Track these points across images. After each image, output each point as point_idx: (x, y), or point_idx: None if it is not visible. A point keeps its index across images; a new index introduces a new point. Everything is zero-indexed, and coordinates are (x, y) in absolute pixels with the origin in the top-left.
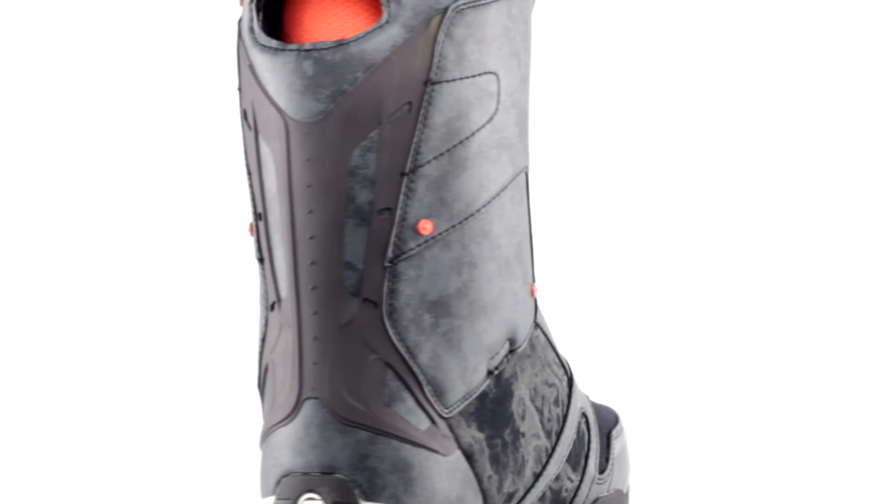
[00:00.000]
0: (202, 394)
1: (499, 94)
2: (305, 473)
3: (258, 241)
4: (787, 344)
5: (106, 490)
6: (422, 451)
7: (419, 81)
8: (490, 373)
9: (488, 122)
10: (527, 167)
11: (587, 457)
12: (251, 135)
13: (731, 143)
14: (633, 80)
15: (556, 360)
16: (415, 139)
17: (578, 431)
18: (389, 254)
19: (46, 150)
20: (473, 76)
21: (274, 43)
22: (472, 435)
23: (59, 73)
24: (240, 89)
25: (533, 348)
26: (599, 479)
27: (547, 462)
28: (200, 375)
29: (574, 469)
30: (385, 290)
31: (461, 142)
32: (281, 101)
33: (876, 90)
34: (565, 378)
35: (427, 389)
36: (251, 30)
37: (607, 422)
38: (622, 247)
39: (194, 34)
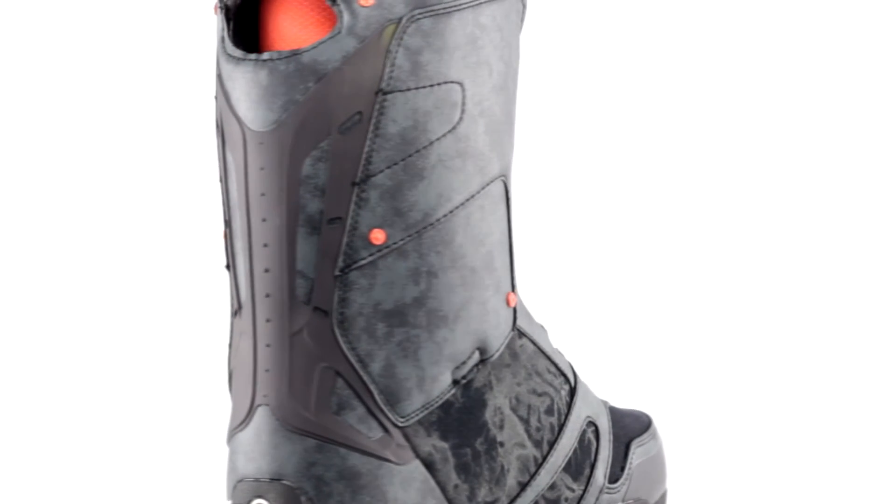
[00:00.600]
0: (193, 393)
1: (463, 104)
2: (256, 479)
3: (225, 249)
4: (786, 343)
5: (105, 490)
6: (372, 459)
7: (370, 91)
8: (456, 382)
9: (450, 131)
10: (503, 176)
11: (593, 466)
12: (220, 143)
13: (731, 144)
14: (635, 82)
15: (553, 368)
16: (366, 149)
17: (583, 440)
18: (340, 263)
19: (42, 153)
20: (431, 86)
21: (238, 53)
22: (434, 444)
23: (58, 76)
24: (215, 98)
25: (515, 357)
26: (610, 488)
27: (536, 471)
28: (192, 376)
29: (575, 478)
30: (336, 299)
31: (417, 151)
32: (241, 110)
33: (874, 90)
34: (566, 387)
35: (379, 398)
36: (222, 39)
37: (630, 430)
38: (627, 249)
39: (190, 41)
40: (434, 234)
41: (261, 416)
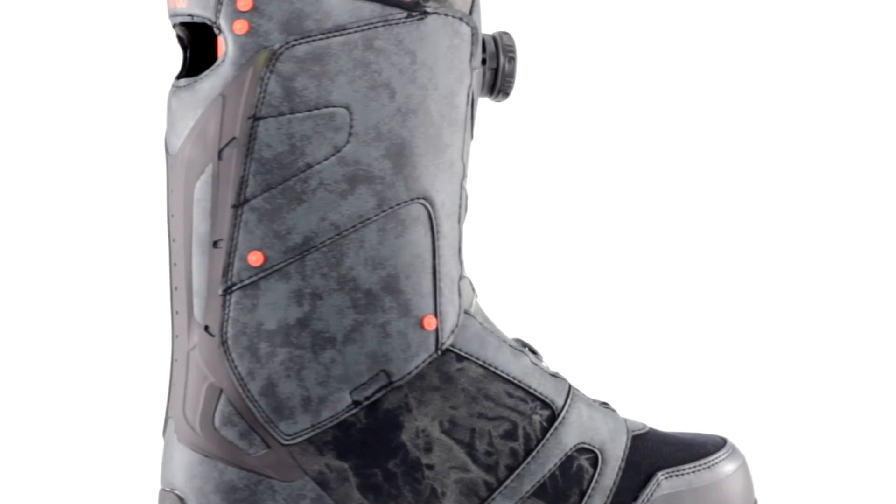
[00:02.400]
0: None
1: (351, 128)
2: (162, 489)
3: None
4: (785, 346)
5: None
6: (251, 475)
7: (244, 117)
8: (357, 403)
9: (333, 155)
10: (423, 199)
11: (584, 494)
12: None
13: (727, 147)
14: (632, 86)
15: (518, 393)
16: (242, 173)
17: (568, 467)
18: (225, 284)
19: (42, 153)
20: (309, 111)
21: (175, 81)
22: (327, 463)
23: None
24: None
25: (448, 381)
26: None
27: (490, 496)
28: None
29: None
30: (221, 318)
31: (295, 175)
32: (165, 135)
33: (874, 90)
34: (544, 412)
35: (261, 416)
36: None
37: (665, 458)
38: (626, 251)
39: None
40: (318, 257)
41: (169, 428)
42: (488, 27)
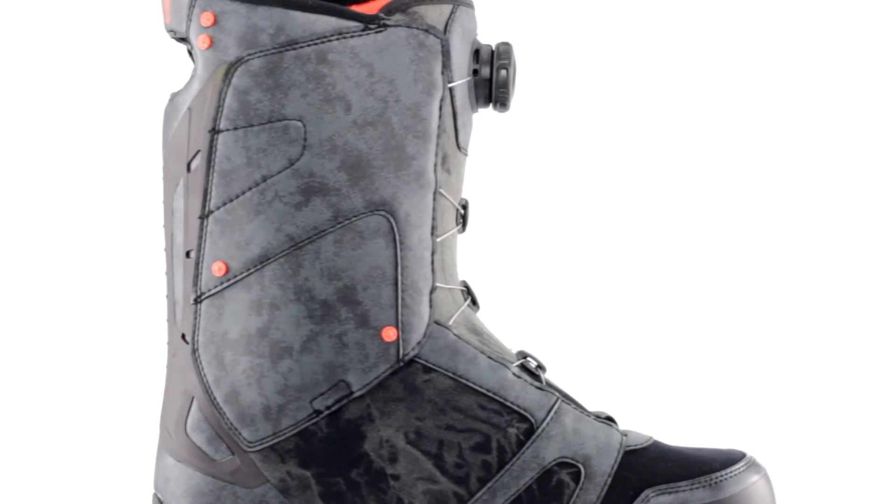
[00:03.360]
0: None
1: (305, 140)
2: (154, 492)
3: None
4: (785, 351)
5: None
6: (216, 480)
7: (206, 130)
8: (318, 412)
9: (288, 168)
10: (383, 210)
11: None
12: None
13: (722, 151)
14: (628, 92)
15: (492, 406)
16: (206, 185)
17: (547, 481)
18: (195, 293)
19: (42, 154)
20: (262, 124)
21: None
22: (289, 471)
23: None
24: None
25: (414, 392)
26: None
27: None
28: None
29: None
30: (193, 326)
31: (251, 188)
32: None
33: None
34: (522, 425)
35: (225, 423)
36: None
37: (658, 475)
38: (625, 254)
39: None
40: (276, 268)
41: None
42: (492, 37)
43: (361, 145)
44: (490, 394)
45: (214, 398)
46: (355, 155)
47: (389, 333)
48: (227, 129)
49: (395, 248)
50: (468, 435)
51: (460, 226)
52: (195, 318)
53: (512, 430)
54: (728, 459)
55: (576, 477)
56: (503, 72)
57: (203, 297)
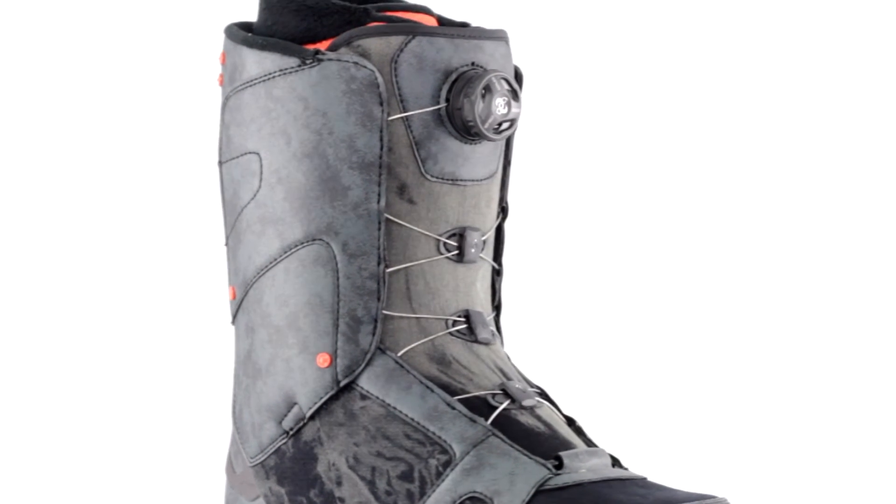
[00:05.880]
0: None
1: (261, 172)
2: None
3: None
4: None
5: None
6: (233, 490)
7: (217, 163)
8: (286, 433)
9: (252, 198)
10: (321, 240)
11: None
12: None
13: (718, 158)
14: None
15: (416, 436)
16: (223, 214)
17: None
18: (231, 315)
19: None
20: (237, 157)
21: None
22: (270, 487)
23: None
24: None
25: (352, 417)
26: None
27: None
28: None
29: None
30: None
31: (237, 217)
32: None
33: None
34: (442, 457)
35: (237, 438)
36: None
37: None
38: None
39: None
40: (252, 294)
41: None
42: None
43: (300, 176)
44: (415, 423)
45: (233, 413)
46: (296, 186)
47: (323, 359)
48: (223, 162)
49: (336, 276)
50: (395, 463)
51: (454, 254)
52: (236, 339)
53: (433, 462)
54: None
55: None
56: (465, 101)
57: (233, 318)
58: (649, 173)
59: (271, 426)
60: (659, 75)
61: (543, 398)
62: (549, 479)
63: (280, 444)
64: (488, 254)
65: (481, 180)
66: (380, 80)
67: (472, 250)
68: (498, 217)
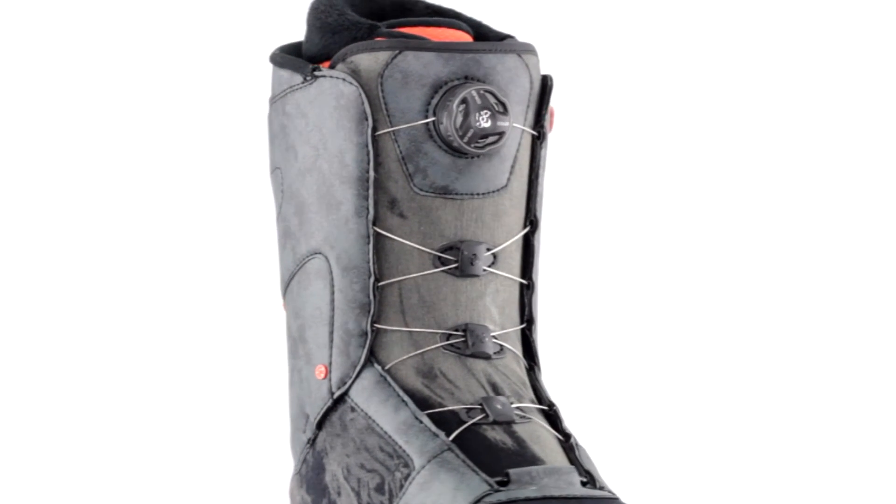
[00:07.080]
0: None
1: (282, 187)
2: None
3: None
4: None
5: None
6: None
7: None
8: (308, 442)
9: (278, 213)
10: (315, 254)
11: None
12: None
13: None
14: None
15: (388, 448)
16: None
17: None
18: None
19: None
20: (271, 171)
21: None
22: (302, 496)
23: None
24: None
25: (345, 429)
26: None
27: None
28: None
29: None
30: None
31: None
32: None
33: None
34: (405, 470)
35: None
36: None
37: None
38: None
39: None
40: (286, 306)
41: None
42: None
43: (304, 191)
44: (387, 436)
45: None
46: (301, 201)
47: (320, 371)
48: (270, 172)
49: (332, 289)
50: (372, 476)
51: (452, 267)
52: None
53: (398, 475)
54: None
55: None
56: (444, 115)
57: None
58: (662, 181)
59: (299, 436)
60: (676, 86)
61: (544, 415)
62: (487, 495)
63: (306, 453)
64: (505, 267)
65: (484, 194)
66: (363, 95)
67: (475, 264)
68: (524, 229)
